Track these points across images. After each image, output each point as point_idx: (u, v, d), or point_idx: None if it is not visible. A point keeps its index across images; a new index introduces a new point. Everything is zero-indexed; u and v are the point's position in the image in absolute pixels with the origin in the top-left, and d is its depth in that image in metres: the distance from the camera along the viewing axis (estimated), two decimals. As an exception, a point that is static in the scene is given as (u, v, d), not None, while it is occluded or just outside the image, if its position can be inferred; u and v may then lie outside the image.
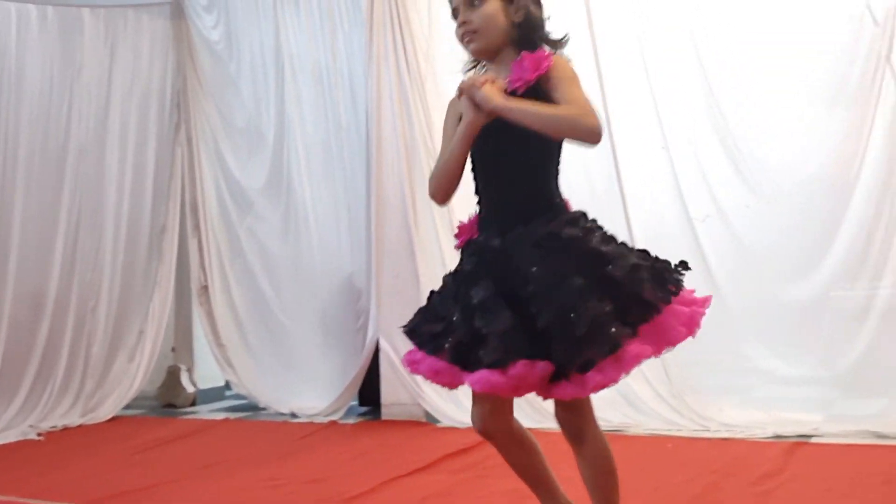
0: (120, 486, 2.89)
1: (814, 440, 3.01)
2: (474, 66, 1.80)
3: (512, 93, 1.63)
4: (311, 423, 3.95)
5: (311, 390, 4.26)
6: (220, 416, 4.34)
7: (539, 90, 1.63)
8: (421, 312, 1.71)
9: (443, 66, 3.88)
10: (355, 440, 3.56)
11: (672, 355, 3.39)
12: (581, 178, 3.63)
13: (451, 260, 3.84)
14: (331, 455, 3.29)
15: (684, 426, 3.26)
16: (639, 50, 3.49)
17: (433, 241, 3.83)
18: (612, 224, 3.59)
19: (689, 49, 3.41)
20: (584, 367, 1.51)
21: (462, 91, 1.64)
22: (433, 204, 3.75)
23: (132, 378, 4.48)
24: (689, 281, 3.54)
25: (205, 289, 4.69)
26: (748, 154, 3.35)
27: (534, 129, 1.58)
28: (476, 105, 1.61)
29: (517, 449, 1.74)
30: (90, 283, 4.42)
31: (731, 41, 3.34)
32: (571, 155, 3.81)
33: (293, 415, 4.18)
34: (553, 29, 1.77)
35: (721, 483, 2.56)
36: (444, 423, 3.64)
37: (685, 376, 3.41)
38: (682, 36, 3.42)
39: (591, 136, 1.58)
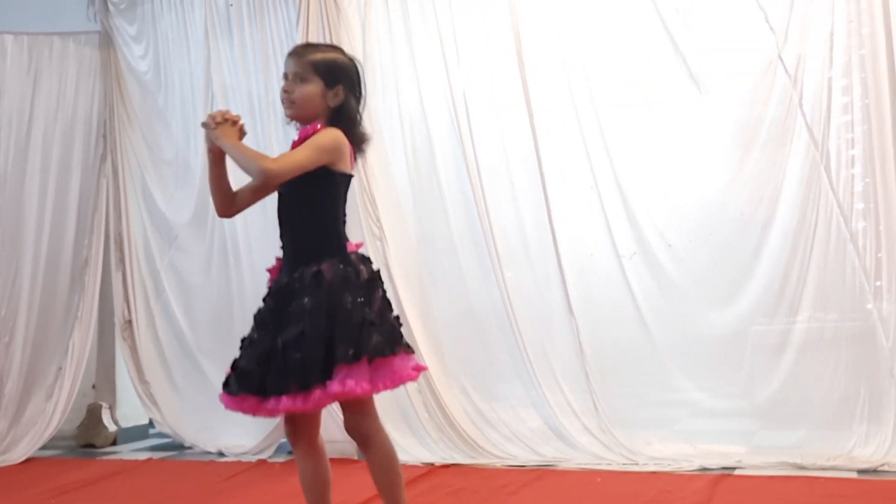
0: (34, 533, 2.76)
1: (737, 472, 3.10)
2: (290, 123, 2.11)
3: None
4: (239, 463, 3.86)
5: (238, 428, 4.16)
6: (143, 456, 4.19)
7: None
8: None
9: (377, 103, 3.92)
10: (285, 479, 3.48)
11: (600, 389, 3.51)
12: (511, 216, 3.72)
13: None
14: (259, 495, 3.22)
15: (613, 460, 3.31)
16: (569, 93, 3.59)
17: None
18: (544, 260, 3.70)
19: (616, 95, 3.53)
20: (281, 392, 1.89)
21: (203, 124, 1.99)
22: (366, 237, 3.81)
23: (49, 417, 4.29)
24: (618, 315, 3.61)
25: (128, 323, 4.55)
26: (670, 194, 3.47)
27: (236, 164, 1.96)
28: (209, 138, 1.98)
29: (312, 465, 2.08)
30: (4, 318, 4.24)
31: (654, 87, 3.47)
32: (503, 192, 3.84)
33: (220, 454, 4.08)
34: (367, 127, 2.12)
35: (649, 516, 2.61)
36: (376, 459, 3.61)
37: (613, 409, 3.48)
38: (609, 83, 3.54)
39: (256, 175, 1.95)
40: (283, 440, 4.09)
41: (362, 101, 2.09)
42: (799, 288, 3.28)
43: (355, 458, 3.72)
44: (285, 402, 1.89)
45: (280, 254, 2.09)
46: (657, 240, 3.47)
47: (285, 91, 2.03)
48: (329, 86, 2.01)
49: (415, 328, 3.67)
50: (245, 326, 4.21)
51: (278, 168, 1.93)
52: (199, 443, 4.21)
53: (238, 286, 4.27)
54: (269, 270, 2.10)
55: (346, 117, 2.02)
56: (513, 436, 3.61)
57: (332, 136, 1.98)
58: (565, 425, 3.52)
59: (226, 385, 2.03)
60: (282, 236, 2.07)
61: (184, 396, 4.41)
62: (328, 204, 2.01)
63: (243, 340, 2.07)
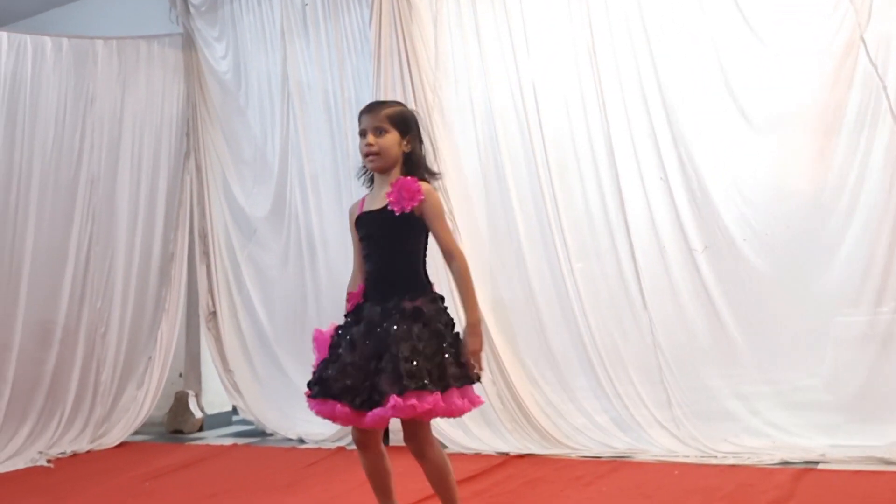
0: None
1: (821, 466, 3.02)
2: (364, 174, 2.36)
3: (391, 212, 2.19)
4: (319, 450, 3.97)
5: (317, 417, 4.27)
6: (228, 441, 4.36)
7: (411, 213, 2.19)
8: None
9: (449, 98, 3.96)
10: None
11: (674, 382, 3.47)
12: (580, 208, 3.70)
13: (454, 286, 3.89)
14: (338, 482, 3.31)
15: (691, 453, 3.28)
16: (639, 85, 3.55)
17: (440, 268, 3.87)
18: (615, 253, 3.65)
19: (689, 83, 3.47)
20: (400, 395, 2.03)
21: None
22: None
23: (140, 404, 4.52)
24: (691, 311, 3.53)
25: (213, 314, 4.73)
26: (746, 185, 3.39)
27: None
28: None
29: (377, 463, 2.30)
30: (100, 310, 4.48)
31: (729, 74, 3.39)
32: (573, 184, 3.78)
33: (301, 440, 4.20)
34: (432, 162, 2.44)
35: (728, 510, 2.58)
36: (452, 448, 3.66)
37: (687, 402, 3.44)
38: (683, 71, 3.48)
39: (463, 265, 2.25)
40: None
41: (424, 144, 2.35)
42: (884, 277, 3.16)
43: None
44: (397, 402, 2.04)
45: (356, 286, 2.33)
46: (734, 231, 3.39)
47: (368, 144, 2.23)
48: (403, 135, 2.26)
49: (487, 320, 3.70)
50: (320, 320, 4.35)
51: (459, 253, 2.26)
52: (281, 430, 4.35)
53: (313, 281, 4.38)
54: (350, 295, 2.32)
55: (415, 161, 2.28)
56: (585, 427, 3.60)
57: (436, 197, 2.24)
58: (636, 418, 3.50)
59: (320, 391, 2.23)
60: (371, 272, 2.27)
61: (265, 385, 4.56)
62: (421, 247, 2.27)
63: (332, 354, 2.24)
